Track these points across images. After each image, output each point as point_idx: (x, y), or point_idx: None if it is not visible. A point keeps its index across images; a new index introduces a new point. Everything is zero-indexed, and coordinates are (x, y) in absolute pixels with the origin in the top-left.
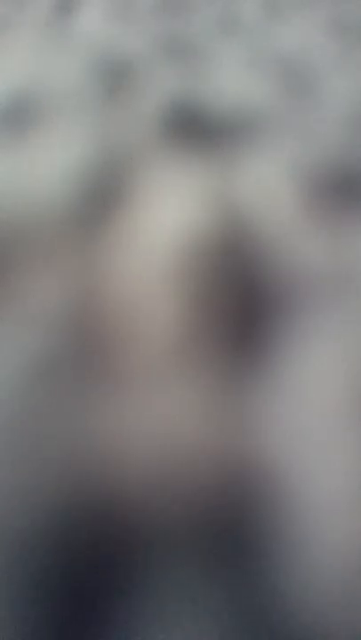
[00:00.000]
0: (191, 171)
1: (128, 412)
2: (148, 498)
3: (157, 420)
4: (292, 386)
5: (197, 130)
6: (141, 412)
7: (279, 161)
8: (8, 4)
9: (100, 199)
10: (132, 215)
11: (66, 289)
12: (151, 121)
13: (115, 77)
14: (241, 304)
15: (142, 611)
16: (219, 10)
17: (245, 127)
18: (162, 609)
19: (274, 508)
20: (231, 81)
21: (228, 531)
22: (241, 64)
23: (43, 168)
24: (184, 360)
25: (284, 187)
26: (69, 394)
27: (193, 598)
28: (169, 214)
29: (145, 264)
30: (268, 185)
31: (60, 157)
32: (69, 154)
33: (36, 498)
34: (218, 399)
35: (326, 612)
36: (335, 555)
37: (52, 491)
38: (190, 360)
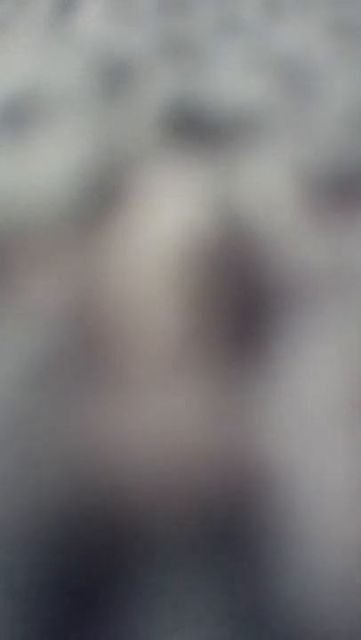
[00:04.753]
0: (191, 170)
1: (128, 411)
2: (148, 497)
3: (157, 420)
4: (293, 386)
5: (197, 130)
6: (141, 412)
7: (279, 161)
8: (8, 3)
9: (101, 199)
10: (132, 215)
11: (66, 289)
12: (151, 121)
13: (115, 77)
14: (241, 304)
15: (142, 610)
16: (219, 10)
17: (245, 127)
18: (162, 609)
19: (274, 508)
20: (231, 81)
21: (229, 530)
22: (241, 64)
23: (43, 168)
24: (184, 360)
25: (284, 186)
26: (69, 393)
27: (193, 598)
28: (169, 214)
29: (145, 264)
30: (268, 185)
31: (60, 157)
32: (69, 153)
33: (35, 497)
34: (218, 399)
35: (327, 611)
36: (335, 554)
37: (51, 490)
38: (190, 360)
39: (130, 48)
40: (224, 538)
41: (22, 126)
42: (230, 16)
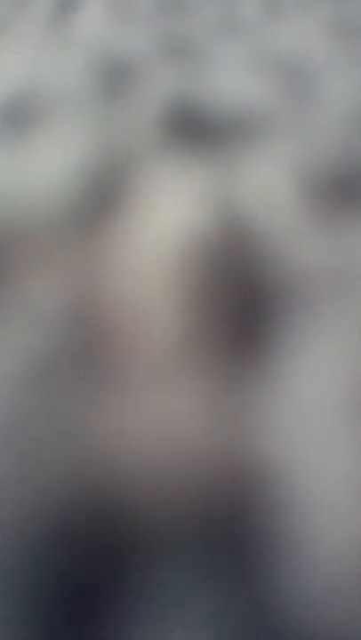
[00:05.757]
0: (191, 170)
1: (128, 411)
2: (148, 497)
3: (157, 420)
4: (293, 386)
5: (197, 130)
6: (141, 412)
7: (280, 161)
8: (8, 4)
9: (101, 199)
10: (132, 215)
11: (66, 289)
12: (151, 121)
13: (115, 77)
14: (241, 304)
15: (142, 611)
16: (219, 10)
17: (245, 127)
18: (162, 609)
19: (274, 508)
20: (231, 81)
21: (229, 530)
22: (241, 64)
23: (43, 168)
24: (184, 360)
25: (284, 187)
26: (69, 393)
27: (193, 599)
28: (169, 214)
29: (145, 264)
30: (268, 185)
31: (60, 157)
32: (69, 153)
33: (35, 497)
34: (218, 399)
35: (327, 612)
36: (336, 554)
37: (50, 490)
38: (190, 360)
39: (130, 48)
40: (224, 538)
41: (22, 126)
42: (230, 16)
